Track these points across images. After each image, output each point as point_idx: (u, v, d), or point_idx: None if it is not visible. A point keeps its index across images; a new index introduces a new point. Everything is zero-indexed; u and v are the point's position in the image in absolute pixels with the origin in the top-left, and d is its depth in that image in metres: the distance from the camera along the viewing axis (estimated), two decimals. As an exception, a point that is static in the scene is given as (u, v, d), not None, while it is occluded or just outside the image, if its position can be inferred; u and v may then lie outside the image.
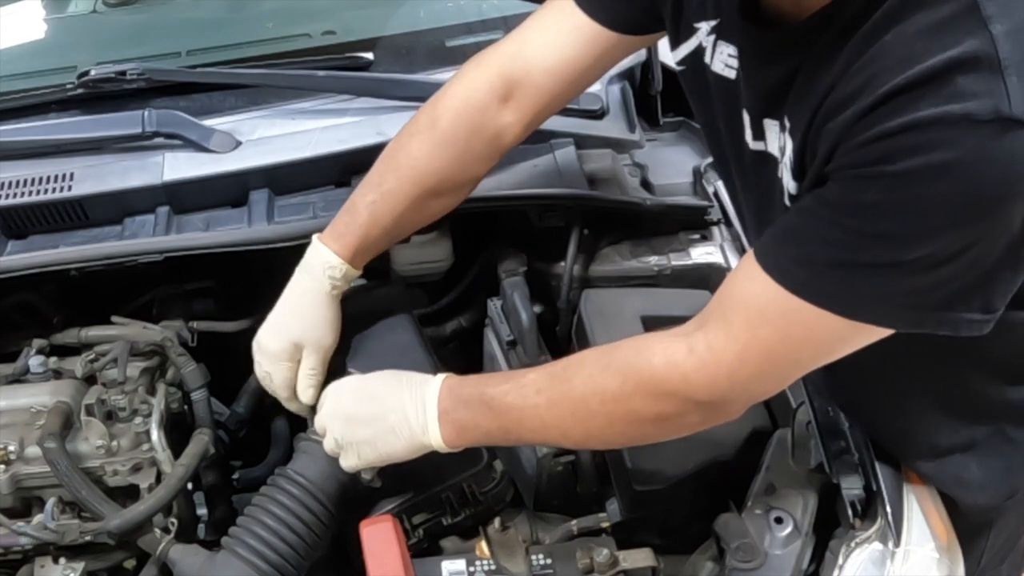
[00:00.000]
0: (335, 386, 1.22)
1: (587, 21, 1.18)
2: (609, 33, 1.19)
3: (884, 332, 0.90)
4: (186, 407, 1.39)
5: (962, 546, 1.16)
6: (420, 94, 1.61)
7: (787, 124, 0.93)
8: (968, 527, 1.19)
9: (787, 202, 0.96)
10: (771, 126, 0.97)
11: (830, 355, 0.95)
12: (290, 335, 1.26)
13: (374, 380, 1.19)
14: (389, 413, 1.13)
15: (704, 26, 1.04)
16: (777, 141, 0.96)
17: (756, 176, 1.03)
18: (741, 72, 1.00)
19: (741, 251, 1.47)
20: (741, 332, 0.95)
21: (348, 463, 1.18)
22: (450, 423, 1.11)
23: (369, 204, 1.26)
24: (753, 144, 1.00)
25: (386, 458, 1.16)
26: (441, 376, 1.14)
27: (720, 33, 1.02)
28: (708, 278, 1.48)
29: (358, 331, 1.36)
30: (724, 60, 1.02)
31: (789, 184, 0.95)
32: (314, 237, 1.29)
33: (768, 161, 0.99)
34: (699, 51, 1.06)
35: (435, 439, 1.12)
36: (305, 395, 1.27)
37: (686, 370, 0.98)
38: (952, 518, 1.16)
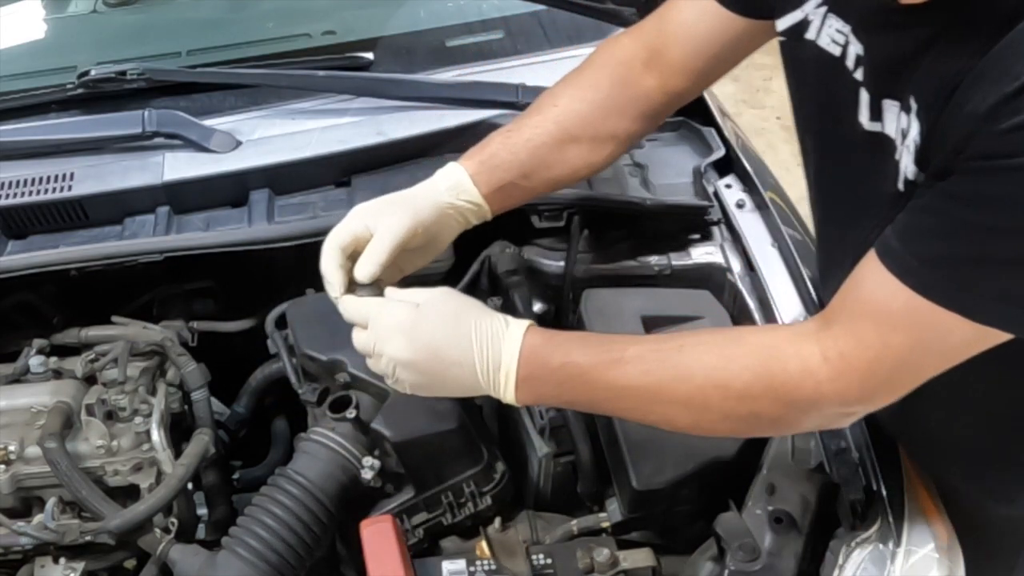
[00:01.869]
0: (388, 311, 1.05)
1: (713, 4, 1.16)
2: (732, 16, 1.15)
3: (1005, 337, 0.85)
4: (186, 407, 1.39)
5: (1004, 562, 1.13)
6: (420, 94, 1.62)
7: (912, 105, 0.86)
8: (1008, 541, 1.17)
9: (900, 187, 0.90)
10: (891, 107, 0.90)
11: (953, 361, 0.89)
12: (383, 208, 1.13)
13: (437, 321, 1.03)
14: (452, 368, 1.02)
15: None
16: (897, 123, 0.90)
17: (865, 158, 0.96)
18: (859, 49, 0.93)
19: (742, 251, 1.47)
20: (872, 340, 0.89)
21: (397, 391, 1.08)
22: (531, 390, 1.01)
23: (504, 133, 1.21)
24: (869, 125, 0.94)
25: (439, 395, 1.09)
26: (520, 329, 1.01)
27: (832, 5, 0.96)
28: (708, 278, 1.48)
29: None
30: (831, 35, 0.97)
31: (908, 169, 0.88)
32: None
33: (883, 143, 0.92)
34: (803, 24, 1.01)
35: (508, 399, 1.02)
36: (362, 271, 1.09)
37: (820, 379, 0.91)
38: (988, 533, 1.14)
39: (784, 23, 1.05)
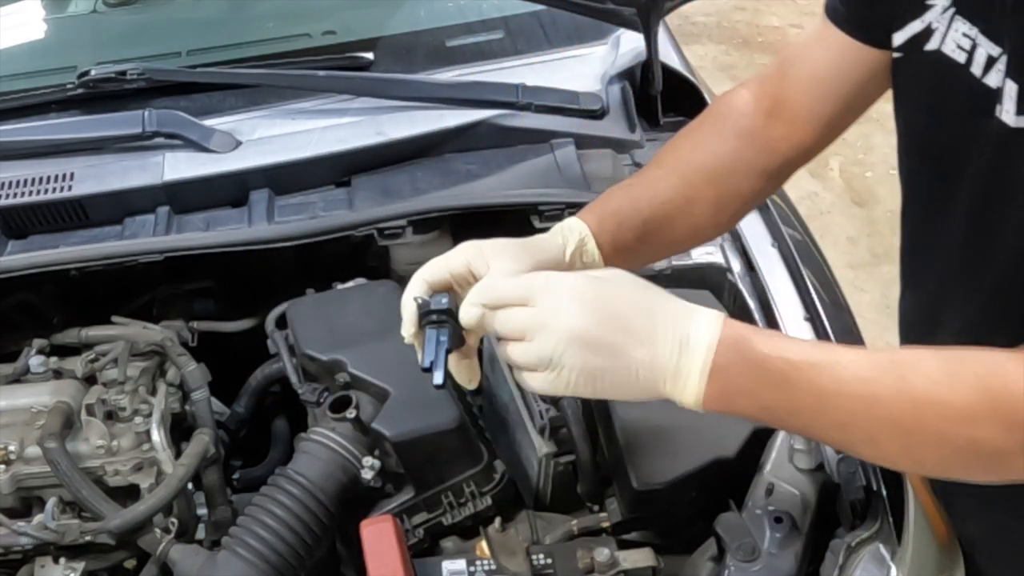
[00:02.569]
0: (556, 280, 0.88)
1: (832, 30, 1.06)
2: (857, 48, 1.05)
3: None
4: (186, 407, 1.39)
5: None
6: (420, 94, 1.62)
7: None
8: None
9: None
10: None
11: None
12: (498, 250, 0.98)
13: (618, 288, 0.87)
14: (634, 346, 0.84)
15: (940, 1, 0.92)
16: None
17: (1013, 159, 0.88)
18: (991, 49, 0.88)
19: (742, 251, 1.47)
20: None
21: (551, 387, 0.86)
22: (721, 384, 0.83)
23: (626, 187, 1.11)
24: (1016, 120, 0.85)
25: (602, 396, 0.88)
26: (714, 312, 0.86)
27: (960, 8, 0.91)
28: (708, 278, 1.48)
29: (357, 330, 1.36)
30: (957, 40, 0.91)
31: None
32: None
33: None
34: (925, 33, 0.94)
35: (690, 396, 0.84)
36: (468, 314, 0.91)
37: None
38: None
39: (902, 36, 0.97)
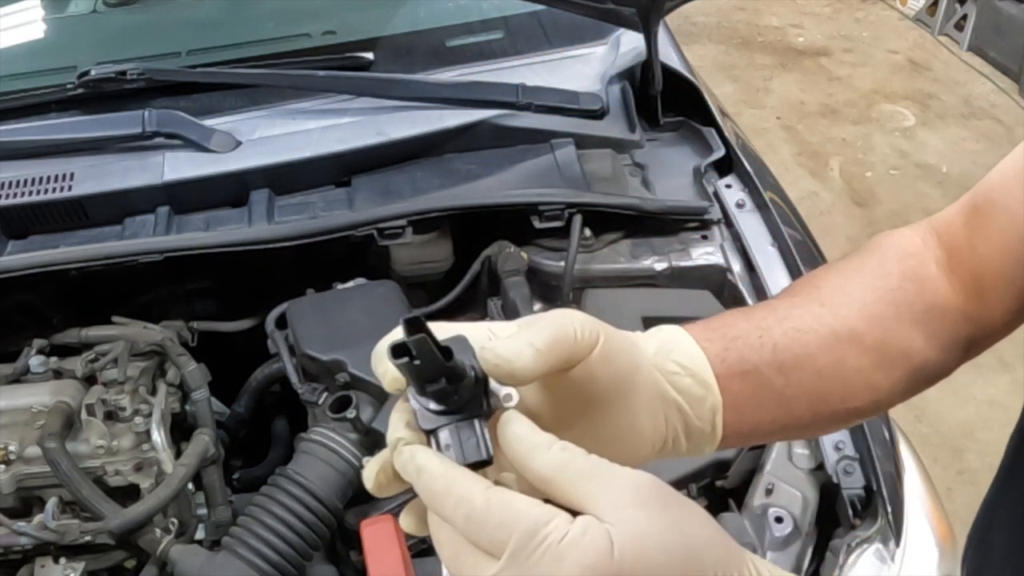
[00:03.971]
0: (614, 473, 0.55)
1: None
2: None
3: None
4: (186, 407, 1.39)
5: None
6: (420, 94, 1.62)
7: None
8: None
9: None
10: None
11: None
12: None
13: (688, 533, 0.54)
14: None
15: None
16: None
17: None
18: None
19: (742, 251, 1.47)
20: None
21: None
22: None
23: (759, 319, 0.73)
24: None
25: None
26: None
27: None
28: (708, 278, 1.48)
29: (357, 330, 1.36)
30: None
31: None
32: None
33: None
34: None
35: None
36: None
37: None
38: None
39: None
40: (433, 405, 0.55)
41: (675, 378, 0.66)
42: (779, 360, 0.70)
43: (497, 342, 0.57)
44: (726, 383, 0.68)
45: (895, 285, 0.77)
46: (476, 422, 0.55)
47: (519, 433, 0.56)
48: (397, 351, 0.52)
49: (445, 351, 0.53)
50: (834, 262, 0.85)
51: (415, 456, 0.55)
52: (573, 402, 0.61)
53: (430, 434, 0.56)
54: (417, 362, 0.52)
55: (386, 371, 0.57)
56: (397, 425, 0.58)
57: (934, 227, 0.82)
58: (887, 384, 0.76)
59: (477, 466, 0.55)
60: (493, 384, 0.57)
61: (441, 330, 0.57)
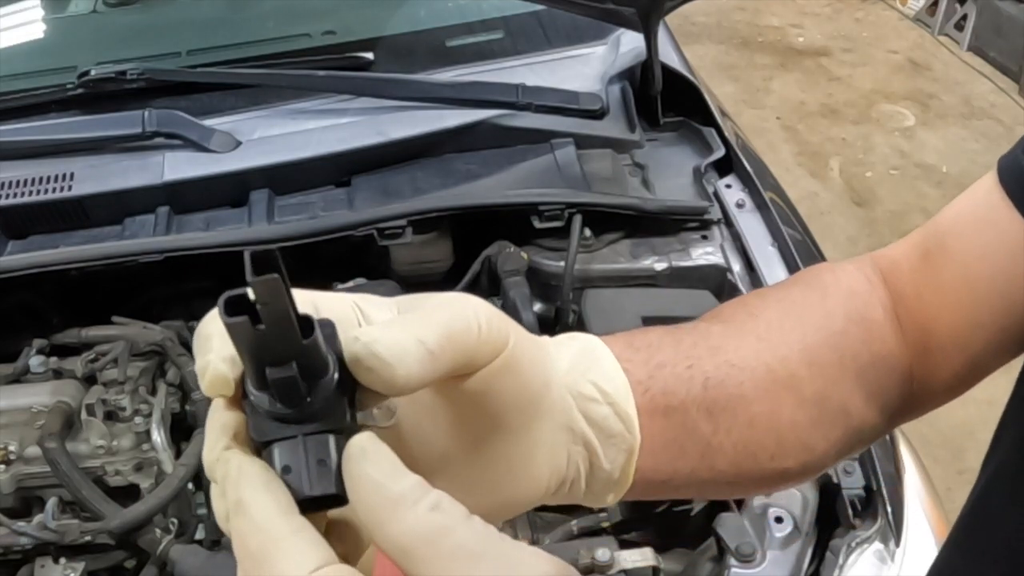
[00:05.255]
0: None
1: (1008, 213, 0.61)
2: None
3: None
4: (186, 407, 1.39)
5: None
6: (420, 94, 1.62)
7: None
8: None
9: None
10: None
11: None
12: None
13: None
14: None
15: None
16: None
17: None
18: None
19: (742, 251, 1.47)
20: None
21: None
22: None
23: (689, 345, 0.59)
24: None
25: None
26: None
27: None
28: (708, 278, 1.48)
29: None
30: None
31: None
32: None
33: None
34: None
35: None
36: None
37: None
38: None
39: None
40: (274, 405, 0.38)
41: (590, 406, 0.51)
42: (709, 399, 0.57)
43: (373, 331, 0.40)
44: (647, 420, 0.54)
45: (839, 328, 0.65)
46: (331, 439, 0.38)
47: (374, 476, 0.38)
48: (232, 305, 0.36)
49: (304, 322, 0.37)
50: (768, 289, 0.75)
51: (239, 484, 0.40)
52: (459, 421, 0.46)
53: (262, 448, 0.39)
54: (261, 326, 0.36)
55: (207, 364, 0.40)
56: (216, 433, 0.41)
57: (879, 265, 0.69)
58: (823, 445, 0.63)
59: (323, 503, 0.39)
60: (362, 387, 0.40)
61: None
